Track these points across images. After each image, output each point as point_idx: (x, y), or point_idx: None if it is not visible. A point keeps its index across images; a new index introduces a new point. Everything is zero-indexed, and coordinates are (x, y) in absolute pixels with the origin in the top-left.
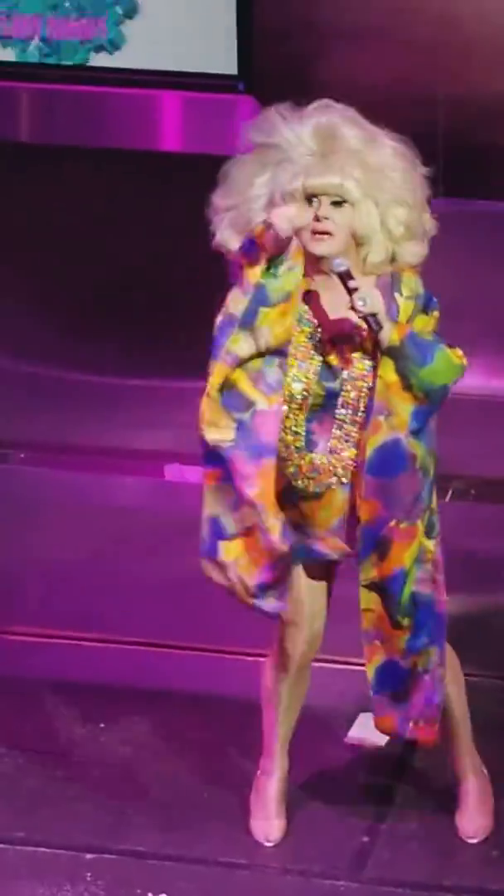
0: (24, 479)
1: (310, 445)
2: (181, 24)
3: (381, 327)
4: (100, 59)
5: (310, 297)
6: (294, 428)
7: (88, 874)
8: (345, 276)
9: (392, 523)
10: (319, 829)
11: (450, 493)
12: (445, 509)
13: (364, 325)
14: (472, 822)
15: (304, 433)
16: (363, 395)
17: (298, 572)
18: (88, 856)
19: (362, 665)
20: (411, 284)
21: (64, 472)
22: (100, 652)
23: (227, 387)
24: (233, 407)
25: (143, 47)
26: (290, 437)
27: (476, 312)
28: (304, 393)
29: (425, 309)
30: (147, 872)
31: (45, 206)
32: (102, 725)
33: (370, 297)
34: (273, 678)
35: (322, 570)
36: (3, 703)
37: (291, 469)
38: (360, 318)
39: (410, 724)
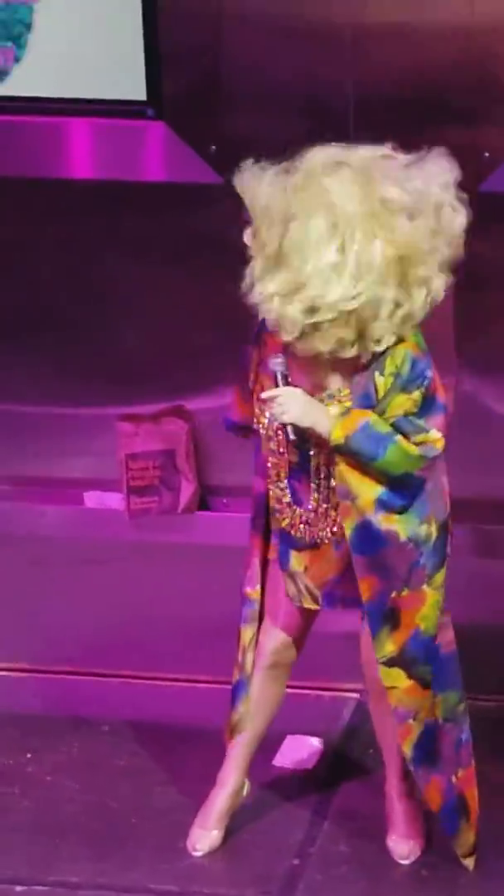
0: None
1: (297, 502)
2: (88, 51)
3: (298, 436)
4: (4, 89)
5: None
6: (279, 483)
7: None
8: (277, 378)
9: (393, 594)
10: (250, 852)
11: None
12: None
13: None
14: (405, 843)
15: (288, 489)
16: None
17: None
18: (18, 888)
19: (297, 688)
20: (397, 361)
21: None
22: (23, 681)
23: None
24: None
25: (48, 74)
26: (278, 492)
27: None
28: (273, 442)
29: (405, 387)
30: None
31: None
32: (29, 755)
33: (283, 407)
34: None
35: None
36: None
37: (286, 521)
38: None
39: (454, 780)
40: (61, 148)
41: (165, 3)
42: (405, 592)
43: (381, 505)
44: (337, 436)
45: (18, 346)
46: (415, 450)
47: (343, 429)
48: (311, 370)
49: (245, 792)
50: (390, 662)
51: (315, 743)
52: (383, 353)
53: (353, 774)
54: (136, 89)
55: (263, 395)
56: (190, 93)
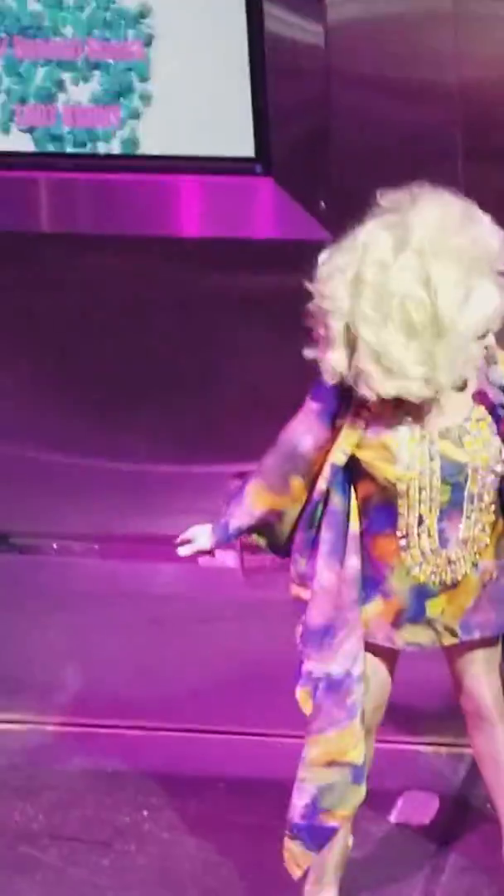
0: (56, 568)
1: (443, 543)
2: (196, 108)
3: None
4: (112, 147)
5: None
6: (428, 530)
7: None
8: None
9: None
10: None
11: None
12: None
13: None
14: None
15: (436, 533)
16: (487, 482)
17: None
18: None
19: (402, 743)
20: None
21: (96, 560)
22: (139, 740)
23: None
24: None
25: (158, 133)
26: (424, 541)
27: None
28: (426, 490)
29: None
30: None
31: (65, 296)
32: (146, 813)
33: None
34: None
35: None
36: (46, 795)
37: (428, 571)
38: None
39: None
40: (171, 205)
41: (273, 60)
42: None
43: None
44: None
45: (132, 405)
46: None
47: None
48: (425, 409)
49: (350, 845)
50: None
51: (432, 799)
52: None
53: (471, 829)
54: (244, 146)
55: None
56: (298, 149)
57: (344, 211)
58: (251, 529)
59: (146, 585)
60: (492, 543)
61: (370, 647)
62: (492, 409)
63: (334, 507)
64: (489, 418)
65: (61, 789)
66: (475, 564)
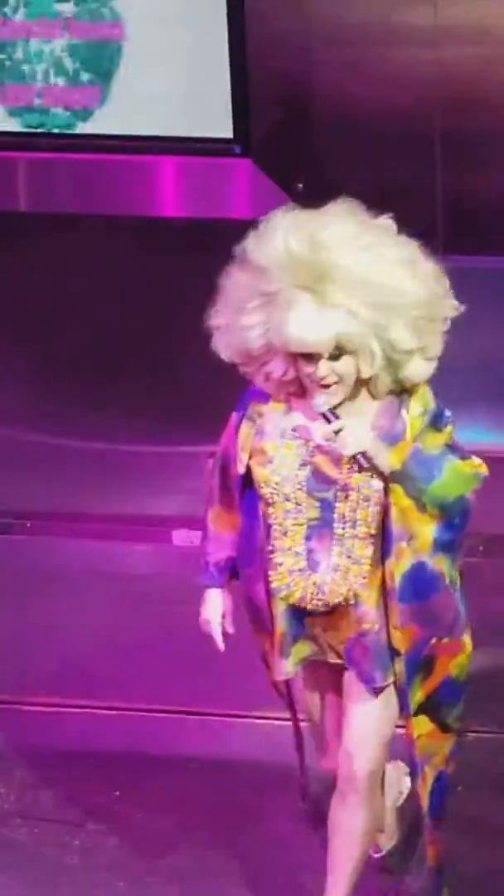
0: (32, 548)
1: (312, 565)
2: (174, 89)
3: (370, 462)
4: (91, 127)
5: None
6: (294, 548)
7: None
8: (327, 416)
9: (433, 642)
10: None
11: None
12: None
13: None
14: None
15: (304, 553)
16: (362, 507)
17: (332, 692)
18: None
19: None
20: (423, 400)
21: (72, 539)
22: (112, 720)
23: None
24: None
25: (136, 113)
26: (290, 561)
27: (476, 369)
28: (290, 501)
29: (435, 424)
30: None
31: (41, 275)
32: (118, 793)
33: (354, 437)
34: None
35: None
36: (18, 774)
37: (297, 594)
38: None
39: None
40: (148, 185)
41: (252, 41)
42: (445, 640)
43: (436, 543)
44: (394, 462)
45: (107, 383)
46: (468, 468)
47: (398, 454)
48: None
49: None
50: (417, 710)
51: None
52: (401, 392)
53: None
54: (223, 127)
55: (332, 428)
56: (276, 130)
57: (321, 193)
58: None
59: (121, 565)
60: (375, 591)
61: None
62: (392, 440)
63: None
64: None
65: (33, 769)
66: (351, 602)
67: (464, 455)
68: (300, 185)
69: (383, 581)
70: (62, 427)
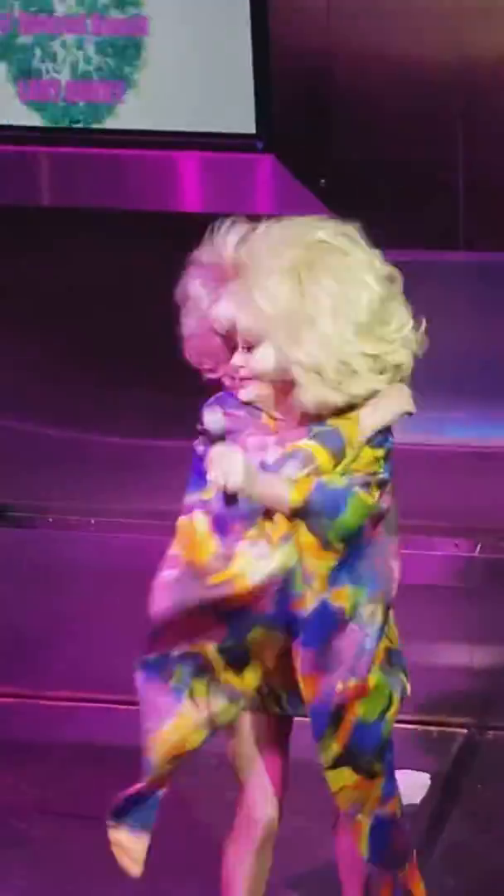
0: (52, 543)
1: None
2: (197, 84)
3: (235, 501)
4: (114, 122)
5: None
6: None
7: None
8: (211, 437)
9: (339, 688)
10: None
11: (478, 547)
12: (475, 563)
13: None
14: None
15: None
16: None
17: (255, 732)
18: None
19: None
20: (327, 424)
21: (92, 534)
22: (131, 715)
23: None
24: None
25: (159, 108)
26: None
27: (497, 365)
28: None
29: (372, 443)
30: None
31: (64, 270)
32: None
33: (227, 467)
34: (237, 854)
35: (281, 726)
36: (35, 769)
37: None
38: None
39: (399, 877)
40: (170, 181)
41: (276, 36)
42: (352, 682)
43: (331, 576)
44: (295, 499)
45: (131, 379)
46: (370, 499)
47: (300, 491)
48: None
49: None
50: (335, 763)
51: (424, 778)
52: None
53: (463, 809)
54: (245, 122)
55: (210, 451)
56: (300, 126)
57: (344, 188)
58: None
59: (142, 559)
60: None
61: None
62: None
63: None
64: None
65: (50, 763)
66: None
67: (368, 483)
68: (323, 181)
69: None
70: (85, 421)
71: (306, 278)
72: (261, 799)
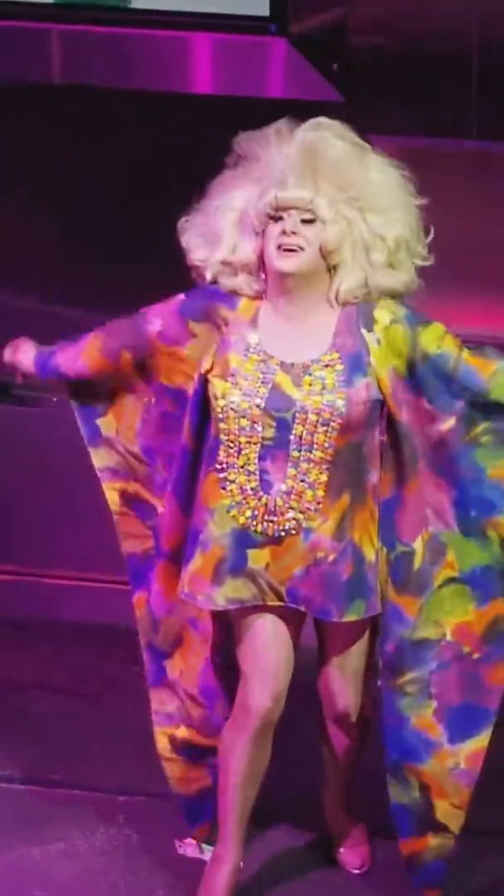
0: (56, 421)
1: (265, 486)
2: None
3: None
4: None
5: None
6: (247, 467)
7: (121, 817)
8: None
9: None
10: None
11: None
12: None
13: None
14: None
15: (257, 472)
16: (319, 430)
17: (260, 623)
18: (121, 798)
19: None
20: (390, 308)
21: None
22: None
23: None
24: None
25: None
26: (242, 478)
27: None
28: (246, 418)
29: (422, 322)
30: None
31: (72, 147)
32: (136, 669)
33: None
34: (231, 741)
35: (286, 620)
36: (37, 647)
37: (248, 514)
38: None
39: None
40: (183, 62)
41: None
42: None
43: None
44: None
45: (143, 259)
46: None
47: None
48: (288, 337)
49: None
50: None
51: None
52: (356, 312)
53: None
54: (259, 4)
55: None
56: (313, 10)
57: (356, 73)
58: (68, 379)
59: None
60: (333, 521)
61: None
62: (355, 361)
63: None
64: (341, 367)
65: (53, 641)
66: (304, 528)
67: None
68: (335, 66)
69: (342, 510)
70: (97, 301)
71: (396, 178)
72: (258, 688)
